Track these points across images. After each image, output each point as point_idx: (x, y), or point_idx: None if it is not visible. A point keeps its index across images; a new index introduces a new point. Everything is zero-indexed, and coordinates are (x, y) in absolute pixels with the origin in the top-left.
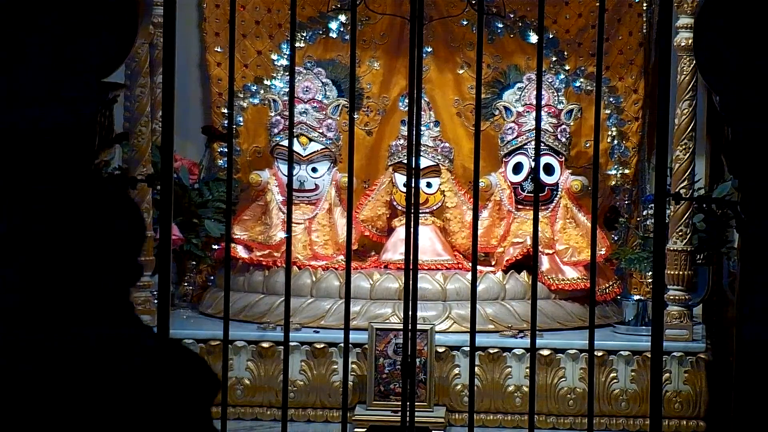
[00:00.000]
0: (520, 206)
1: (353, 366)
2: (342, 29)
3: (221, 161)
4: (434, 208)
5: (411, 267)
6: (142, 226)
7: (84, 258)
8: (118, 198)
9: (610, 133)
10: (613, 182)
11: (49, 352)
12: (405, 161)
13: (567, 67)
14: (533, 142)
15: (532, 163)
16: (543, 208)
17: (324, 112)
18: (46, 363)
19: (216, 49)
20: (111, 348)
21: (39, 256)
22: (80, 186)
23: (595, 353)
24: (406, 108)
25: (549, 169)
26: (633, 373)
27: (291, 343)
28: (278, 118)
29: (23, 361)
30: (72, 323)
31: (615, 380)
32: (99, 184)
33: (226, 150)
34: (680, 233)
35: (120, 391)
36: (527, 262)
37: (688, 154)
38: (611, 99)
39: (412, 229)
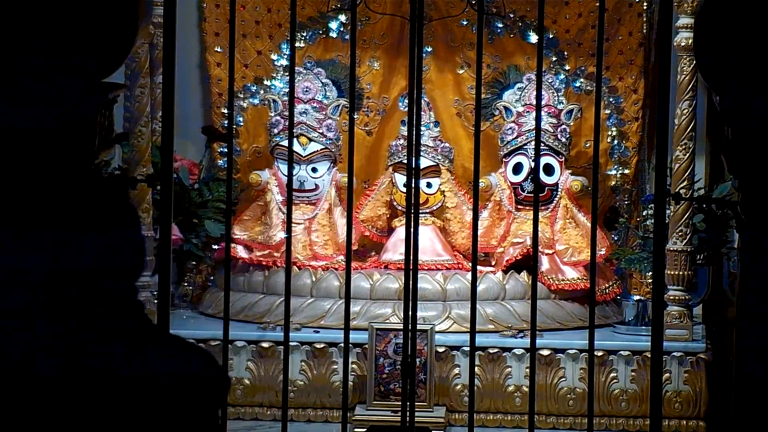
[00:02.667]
0: (520, 206)
1: (353, 366)
2: (342, 29)
3: (221, 161)
4: (434, 208)
5: (411, 267)
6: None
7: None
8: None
9: (610, 133)
10: (613, 182)
11: (52, 353)
12: (405, 161)
13: (567, 67)
14: (533, 142)
15: (532, 164)
16: (543, 208)
17: (324, 112)
18: (49, 364)
19: (216, 49)
20: (118, 348)
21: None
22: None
23: (595, 353)
24: (406, 108)
25: (549, 170)
26: (633, 373)
27: (291, 343)
28: (278, 118)
29: (24, 363)
30: (77, 323)
31: (615, 380)
32: (98, 190)
33: (226, 150)
34: (680, 233)
35: (129, 391)
36: (527, 262)
37: (688, 154)
38: (611, 99)
39: (412, 229)
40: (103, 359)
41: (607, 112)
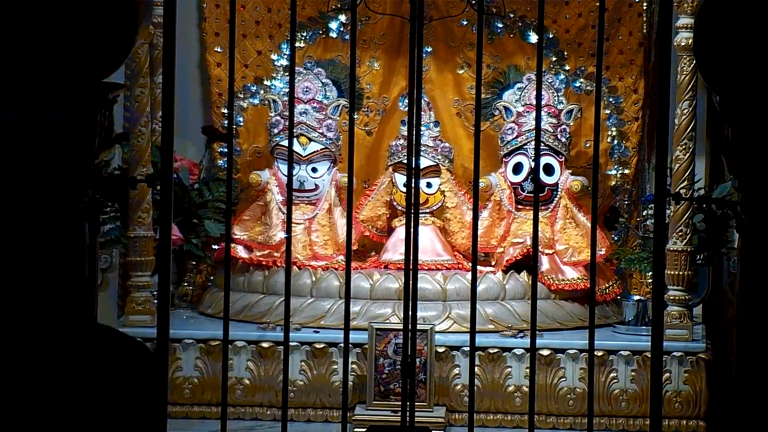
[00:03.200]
0: (520, 206)
1: (353, 366)
2: (342, 29)
3: (221, 161)
4: (434, 208)
5: (411, 267)
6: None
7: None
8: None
9: (610, 133)
10: (613, 182)
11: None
12: (405, 161)
13: (567, 67)
14: (533, 142)
15: (532, 163)
16: (543, 208)
17: (324, 112)
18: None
19: (216, 49)
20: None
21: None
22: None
23: (595, 353)
24: (406, 108)
25: (549, 170)
26: (633, 373)
27: (291, 343)
28: (278, 118)
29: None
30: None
31: (615, 380)
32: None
33: (226, 150)
34: (680, 233)
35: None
36: (527, 262)
37: (688, 154)
38: (611, 99)
39: (412, 229)
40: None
41: (607, 112)
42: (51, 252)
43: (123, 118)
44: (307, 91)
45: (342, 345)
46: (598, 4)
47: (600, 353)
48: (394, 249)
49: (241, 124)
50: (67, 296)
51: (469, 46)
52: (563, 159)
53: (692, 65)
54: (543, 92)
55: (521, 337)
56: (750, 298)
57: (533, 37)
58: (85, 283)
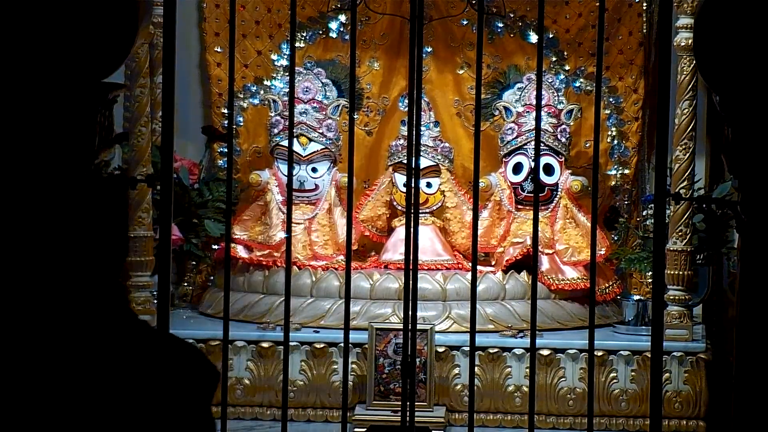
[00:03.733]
0: (520, 206)
1: (353, 366)
2: (342, 29)
3: (221, 161)
4: (434, 208)
5: (411, 267)
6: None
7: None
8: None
9: (610, 133)
10: (613, 182)
11: (41, 349)
12: (405, 161)
13: (567, 67)
14: (533, 142)
15: (532, 164)
16: (543, 208)
17: (324, 112)
18: (39, 360)
19: (216, 49)
20: (106, 344)
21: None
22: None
23: (595, 353)
24: (406, 108)
25: (549, 170)
26: (633, 373)
27: (291, 343)
28: (278, 118)
29: (15, 359)
30: (64, 319)
31: (615, 380)
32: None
33: (226, 150)
34: (680, 233)
35: (118, 387)
36: (527, 262)
37: (688, 154)
38: (611, 99)
39: (412, 229)
40: (85, 355)
41: (607, 112)
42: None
43: (123, 118)
44: (307, 91)
45: (342, 345)
46: (598, 4)
47: (600, 353)
48: (394, 249)
49: (241, 124)
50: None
51: (469, 46)
52: (563, 159)
53: (692, 65)
54: (543, 92)
55: (521, 337)
56: (750, 298)
57: (533, 37)
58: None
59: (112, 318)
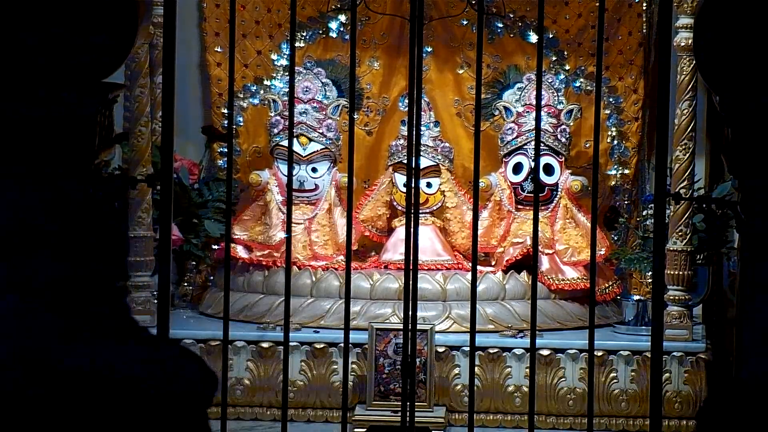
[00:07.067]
0: (520, 206)
1: (353, 366)
2: (342, 29)
3: (221, 161)
4: (434, 208)
5: (411, 267)
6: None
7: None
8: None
9: (610, 133)
10: (613, 182)
11: (41, 353)
12: (405, 161)
13: (567, 67)
14: (533, 142)
15: (532, 163)
16: (543, 208)
17: (324, 112)
18: (38, 363)
19: (216, 49)
20: (107, 349)
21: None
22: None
23: (595, 353)
24: (406, 108)
25: (549, 170)
26: (633, 373)
27: (291, 343)
28: (278, 118)
29: (17, 359)
30: (67, 327)
31: (615, 380)
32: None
33: (226, 150)
34: (680, 233)
35: (117, 391)
36: (527, 262)
37: (688, 154)
38: (611, 99)
39: (412, 229)
40: (85, 360)
41: (607, 112)
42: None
43: (123, 118)
44: (307, 91)
45: (342, 345)
46: (598, 4)
47: (600, 353)
48: (394, 249)
49: (241, 124)
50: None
51: (469, 46)
52: (563, 159)
53: (692, 65)
54: (543, 92)
55: (521, 337)
56: (750, 298)
57: (533, 37)
58: None
59: (112, 322)
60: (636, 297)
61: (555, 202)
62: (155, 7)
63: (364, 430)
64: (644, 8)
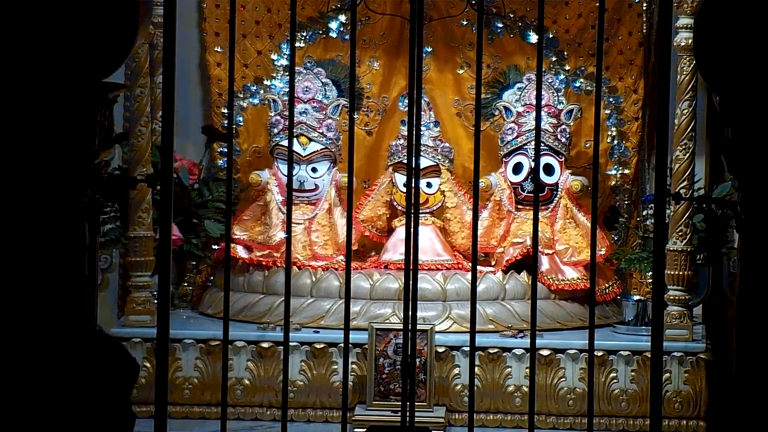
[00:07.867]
0: (520, 206)
1: (353, 366)
2: (342, 29)
3: (221, 161)
4: (434, 208)
5: (411, 267)
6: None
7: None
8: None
9: (610, 133)
10: (613, 182)
11: None
12: (405, 161)
13: (567, 67)
14: (533, 142)
15: (532, 163)
16: (543, 208)
17: (324, 112)
18: None
19: (216, 49)
20: (26, 338)
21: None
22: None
23: (595, 353)
24: (406, 108)
25: (549, 169)
26: (633, 373)
27: (291, 343)
28: (278, 118)
29: None
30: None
31: (615, 380)
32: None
33: (226, 150)
34: (680, 233)
35: (36, 380)
36: (527, 262)
37: (688, 154)
38: (611, 99)
39: (412, 229)
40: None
41: (607, 112)
42: (50, 252)
43: (123, 118)
44: (307, 90)
45: (342, 345)
46: (598, 4)
47: (600, 353)
48: (394, 249)
49: (241, 124)
50: (66, 297)
51: (469, 46)
52: (563, 159)
53: (692, 65)
54: (543, 92)
55: (521, 337)
56: (750, 298)
57: (533, 37)
58: (84, 283)
59: (36, 314)
60: (636, 297)
61: (555, 202)
62: (155, 7)
63: (364, 430)
64: (644, 8)
